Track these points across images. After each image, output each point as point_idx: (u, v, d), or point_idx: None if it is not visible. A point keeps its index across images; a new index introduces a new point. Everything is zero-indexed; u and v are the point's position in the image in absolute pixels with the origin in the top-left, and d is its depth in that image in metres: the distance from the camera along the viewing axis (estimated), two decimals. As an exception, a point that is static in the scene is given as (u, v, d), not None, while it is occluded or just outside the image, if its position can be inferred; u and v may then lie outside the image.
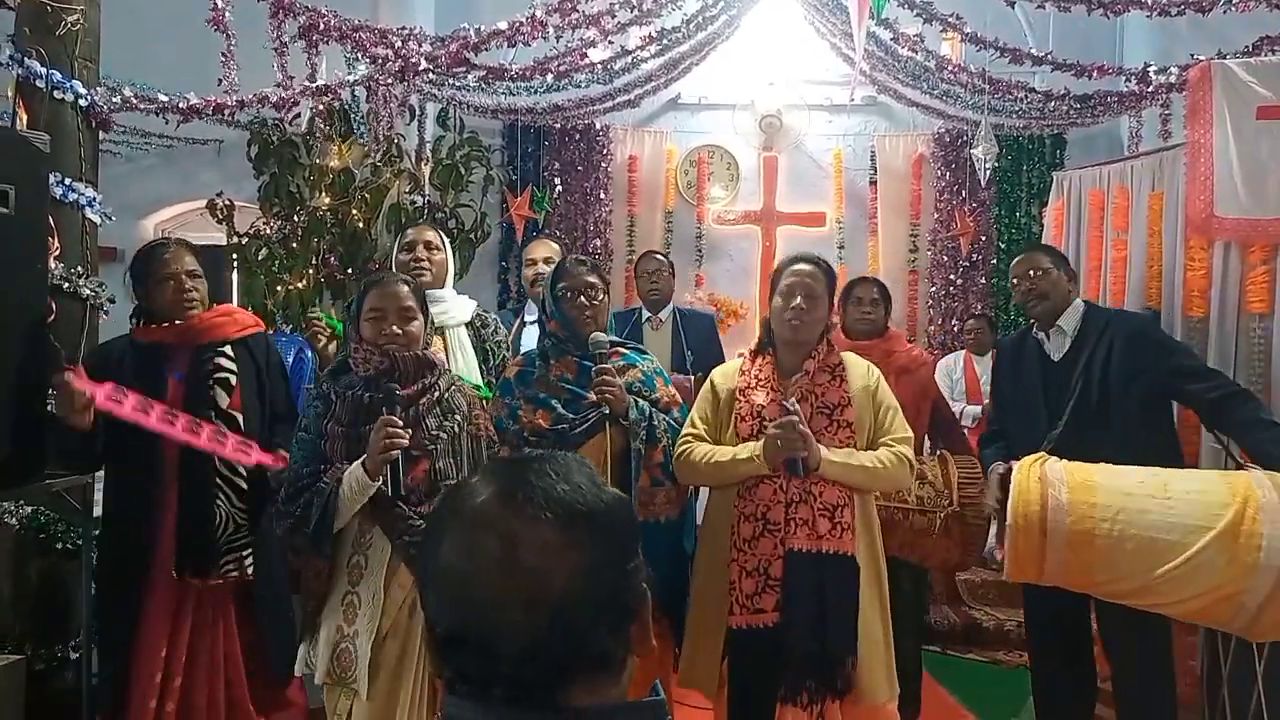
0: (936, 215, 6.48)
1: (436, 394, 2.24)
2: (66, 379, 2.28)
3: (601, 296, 2.55)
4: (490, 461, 1.98)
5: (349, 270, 5.35)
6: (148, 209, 6.62)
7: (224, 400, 2.55)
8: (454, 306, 2.92)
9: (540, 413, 2.46)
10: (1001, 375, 3.10)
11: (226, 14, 3.58)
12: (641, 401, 2.49)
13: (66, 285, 2.92)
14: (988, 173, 6.19)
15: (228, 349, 2.61)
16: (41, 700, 2.71)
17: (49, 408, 2.52)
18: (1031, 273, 2.88)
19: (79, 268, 2.99)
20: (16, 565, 2.92)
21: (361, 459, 2.08)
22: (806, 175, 6.65)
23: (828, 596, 2.25)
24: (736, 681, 2.32)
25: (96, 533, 2.74)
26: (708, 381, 2.57)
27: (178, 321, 2.55)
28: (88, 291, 2.99)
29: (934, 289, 6.43)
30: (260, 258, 5.06)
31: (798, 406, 2.28)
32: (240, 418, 2.58)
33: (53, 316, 2.83)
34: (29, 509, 2.88)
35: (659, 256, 4.32)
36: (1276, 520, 2.17)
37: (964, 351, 5.50)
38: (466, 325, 2.90)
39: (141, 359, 2.53)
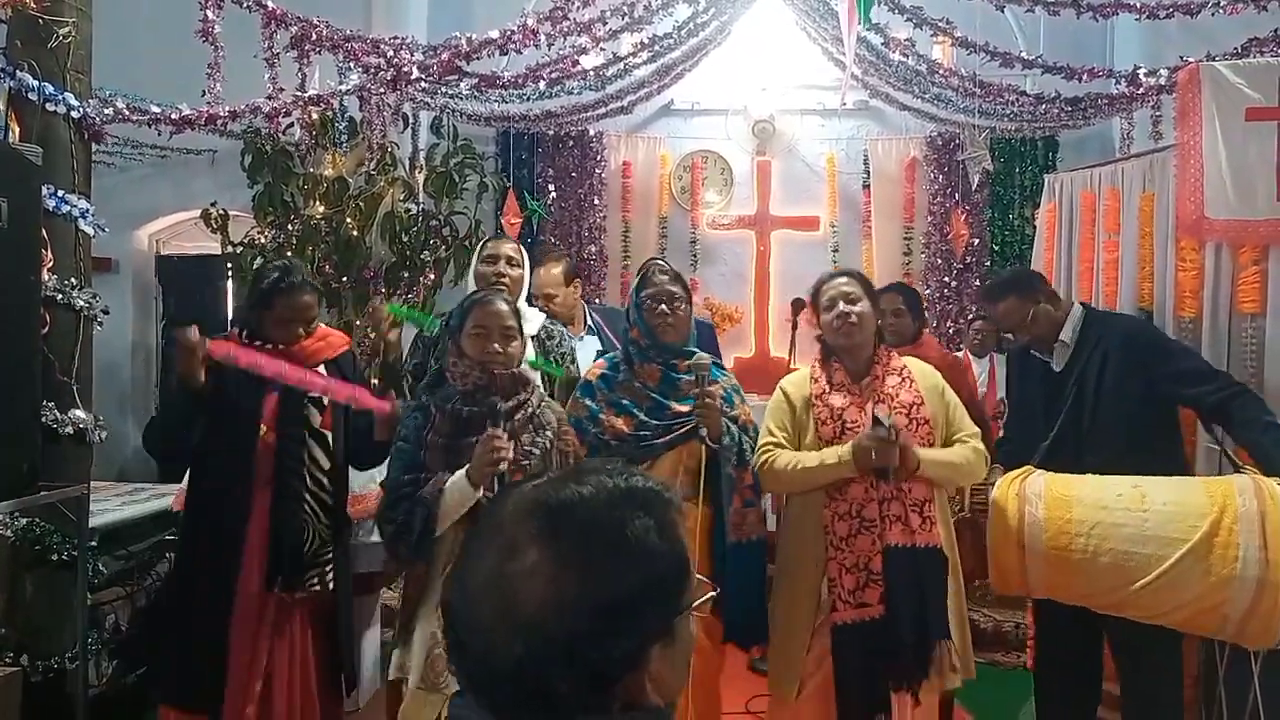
0: (930, 218, 6.49)
1: (529, 410, 2.32)
2: (187, 332, 2.39)
3: (684, 306, 2.61)
4: (571, 466, 2.07)
5: (344, 279, 5.35)
6: (142, 219, 6.61)
7: (316, 419, 2.64)
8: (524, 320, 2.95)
9: (623, 418, 2.53)
10: (1010, 381, 3.11)
11: (217, 25, 3.59)
12: (733, 425, 2.56)
13: (60, 297, 2.92)
14: (977, 178, 6.24)
15: (320, 368, 2.69)
16: (38, 712, 2.70)
17: (72, 419, 2.61)
18: (1015, 330, 2.86)
19: (72, 279, 2.98)
20: (12, 577, 2.92)
21: (464, 469, 2.15)
22: (800, 179, 6.67)
23: (925, 588, 2.36)
24: (846, 675, 2.38)
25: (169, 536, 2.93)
26: (778, 391, 2.64)
27: (281, 346, 2.62)
28: (81, 303, 2.99)
29: (928, 292, 6.43)
30: (255, 267, 5.06)
31: (893, 418, 2.35)
32: (329, 436, 2.67)
33: (47, 328, 2.83)
34: (24, 521, 2.87)
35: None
36: (1254, 530, 2.16)
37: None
38: (532, 338, 2.90)
39: (242, 373, 2.57)
